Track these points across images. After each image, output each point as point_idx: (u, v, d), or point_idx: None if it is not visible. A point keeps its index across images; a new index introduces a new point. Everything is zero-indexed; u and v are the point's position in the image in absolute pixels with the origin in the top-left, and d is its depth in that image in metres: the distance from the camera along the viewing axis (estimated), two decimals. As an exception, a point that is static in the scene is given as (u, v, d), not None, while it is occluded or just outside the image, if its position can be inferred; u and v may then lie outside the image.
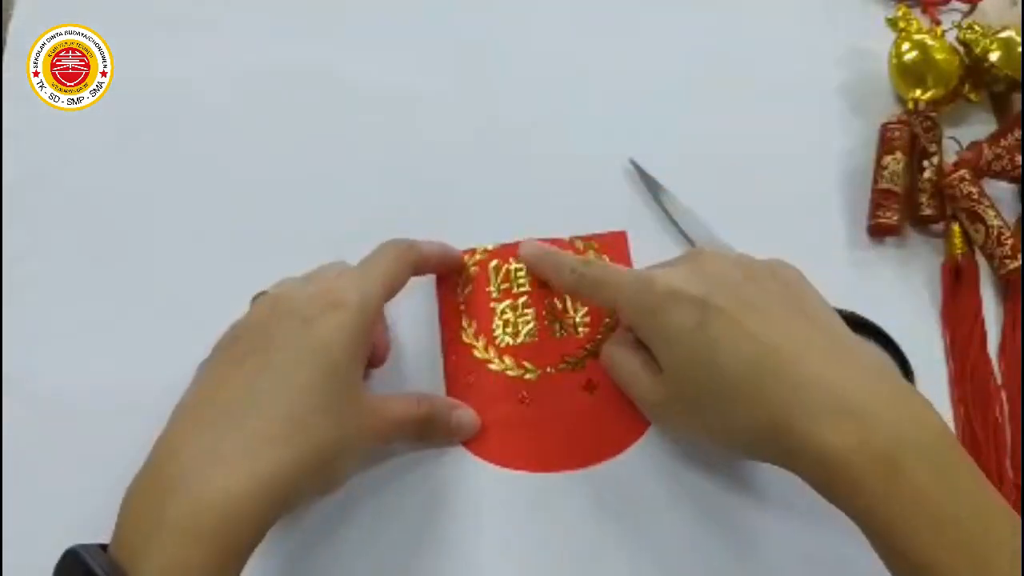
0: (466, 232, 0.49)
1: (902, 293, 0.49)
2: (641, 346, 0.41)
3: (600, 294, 0.43)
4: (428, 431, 0.43)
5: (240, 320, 0.40)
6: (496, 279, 0.48)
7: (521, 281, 0.48)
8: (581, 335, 0.47)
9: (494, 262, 0.48)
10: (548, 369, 0.46)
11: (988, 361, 0.48)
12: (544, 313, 0.47)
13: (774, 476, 0.39)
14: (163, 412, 0.44)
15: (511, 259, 0.48)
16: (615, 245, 0.49)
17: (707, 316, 0.37)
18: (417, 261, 0.44)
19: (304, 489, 0.36)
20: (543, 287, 0.48)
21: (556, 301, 0.47)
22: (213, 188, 0.51)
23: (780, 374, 0.35)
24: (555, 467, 0.44)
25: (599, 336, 0.47)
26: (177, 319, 0.47)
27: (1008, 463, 0.45)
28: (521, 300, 0.48)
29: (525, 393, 0.45)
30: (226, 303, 0.47)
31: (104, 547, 0.33)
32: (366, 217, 0.50)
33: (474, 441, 0.44)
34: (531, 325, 0.47)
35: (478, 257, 0.48)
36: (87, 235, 0.49)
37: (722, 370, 0.36)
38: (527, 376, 0.46)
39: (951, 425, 0.46)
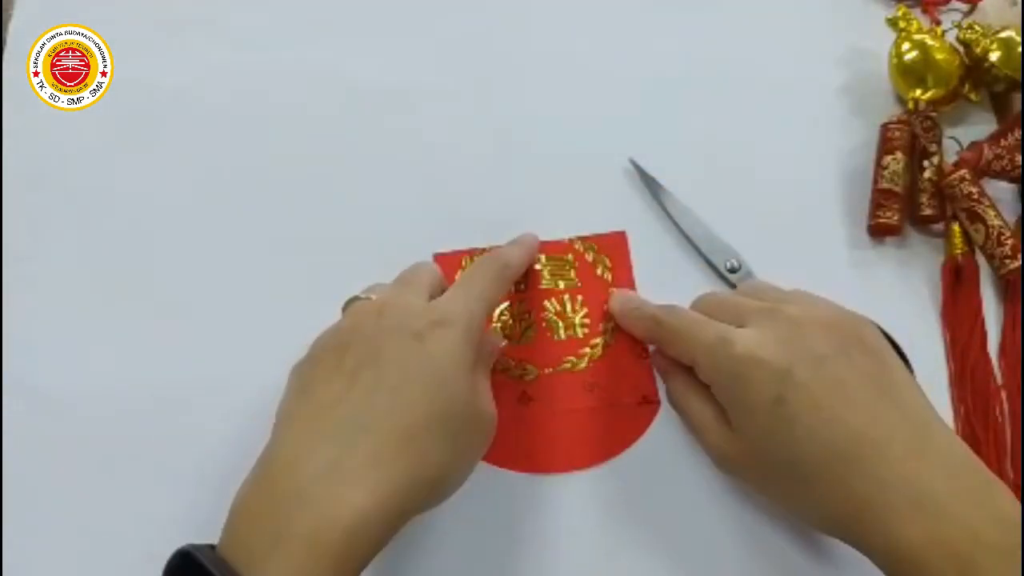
0: (466, 231, 0.49)
1: (902, 293, 0.49)
2: (710, 396, 0.40)
3: (677, 347, 0.42)
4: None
5: (343, 327, 0.39)
6: None
7: (521, 283, 0.48)
8: (581, 336, 0.47)
9: None
10: (547, 370, 0.46)
11: (988, 361, 0.48)
12: (544, 314, 0.47)
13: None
14: (163, 412, 0.44)
15: None
16: (615, 246, 0.49)
17: (787, 391, 0.36)
18: (514, 278, 0.45)
19: (419, 505, 0.36)
20: (542, 288, 0.48)
21: (555, 302, 0.47)
22: (213, 188, 0.51)
23: (859, 465, 0.35)
24: (555, 467, 0.44)
25: (598, 338, 0.47)
26: (177, 319, 0.47)
27: (1008, 463, 0.45)
28: (521, 301, 0.48)
29: (525, 393, 0.45)
30: (226, 303, 0.47)
31: (212, 547, 0.33)
32: (366, 217, 0.50)
33: None
34: (531, 326, 0.47)
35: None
36: (87, 235, 0.49)
37: (798, 451, 0.36)
38: (527, 377, 0.46)
39: (951, 425, 0.46)
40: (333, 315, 0.45)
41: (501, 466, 0.44)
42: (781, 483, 0.38)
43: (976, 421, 0.46)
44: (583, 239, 0.49)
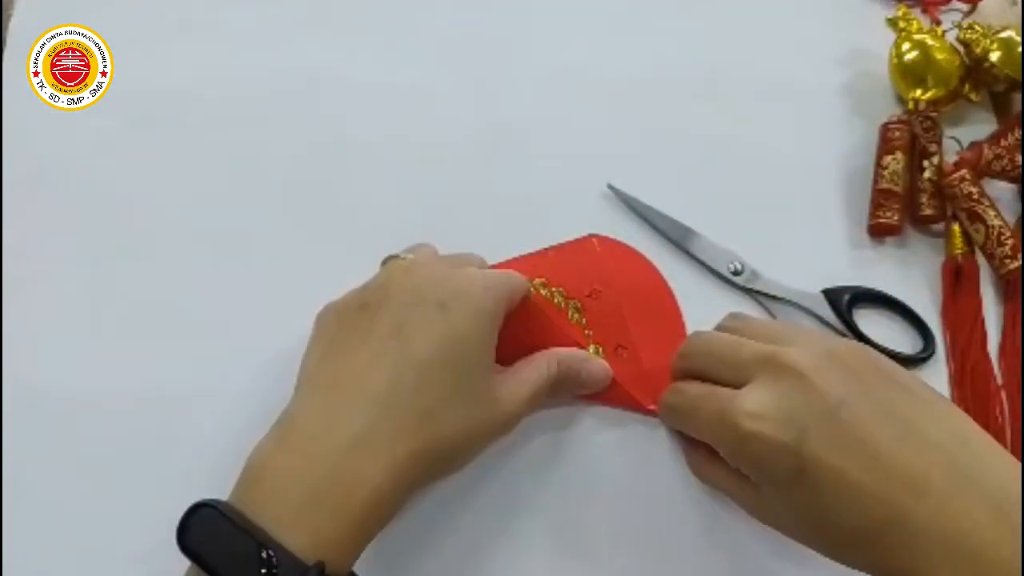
0: (464, 231, 0.49)
1: (902, 293, 0.49)
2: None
3: (682, 426, 0.41)
4: (560, 389, 0.43)
5: (372, 285, 0.40)
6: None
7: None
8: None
9: None
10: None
11: (988, 361, 0.48)
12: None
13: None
14: (163, 411, 0.44)
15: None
16: (584, 251, 0.48)
17: (804, 464, 0.33)
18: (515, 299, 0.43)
19: (435, 473, 0.38)
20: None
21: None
22: (213, 188, 0.51)
23: (893, 518, 0.32)
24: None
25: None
26: (177, 319, 0.47)
27: (1008, 463, 0.45)
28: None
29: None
30: (226, 303, 0.47)
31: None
32: (366, 217, 0.50)
33: None
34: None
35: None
36: (87, 235, 0.49)
37: (828, 514, 0.34)
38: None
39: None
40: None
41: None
42: (822, 543, 0.36)
43: (976, 421, 0.45)
44: (556, 248, 0.48)
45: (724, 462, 0.38)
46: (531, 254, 0.48)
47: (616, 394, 0.45)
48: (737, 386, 0.37)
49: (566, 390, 0.44)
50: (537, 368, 0.42)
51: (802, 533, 0.36)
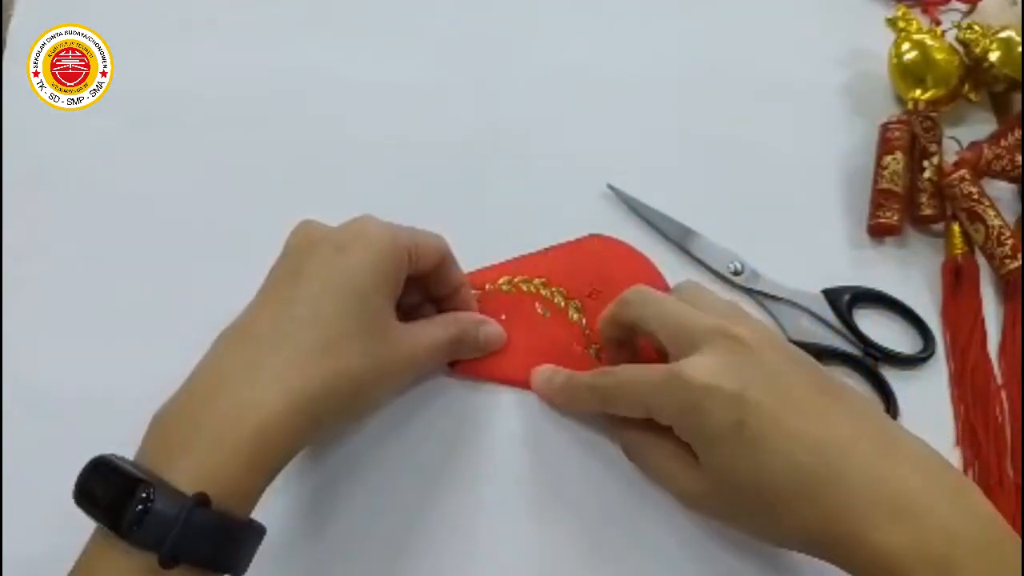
0: (464, 231, 0.49)
1: (902, 293, 0.49)
2: (666, 433, 0.38)
3: (624, 402, 0.40)
4: (459, 350, 0.44)
5: (287, 244, 0.41)
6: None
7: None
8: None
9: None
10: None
11: (988, 361, 0.48)
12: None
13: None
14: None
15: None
16: (585, 251, 0.48)
17: (746, 414, 0.35)
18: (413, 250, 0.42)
19: (334, 411, 0.37)
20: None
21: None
22: (213, 188, 0.51)
23: (828, 477, 0.34)
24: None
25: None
26: (177, 319, 0.47)
27: (1008, 463, 0.45)
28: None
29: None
30: (226, 302, 0.47)
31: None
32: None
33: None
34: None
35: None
36: (87, 235, 0.49)
37: (766, 472, 0.35)
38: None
39: (951, 425, 0.46)
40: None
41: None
42: (755, 513, 0.36)
43: (976, 421, 0.46)
44: (558, 247, 0.48)
45: (660, 440, 0.39)
46: (531, 254, 0.48)
47: None
48: (676, 356, 0.38)
49: (468, 350, 0.44)
50: (436, 324, 0.42)
51: (734, 504, 0.37)
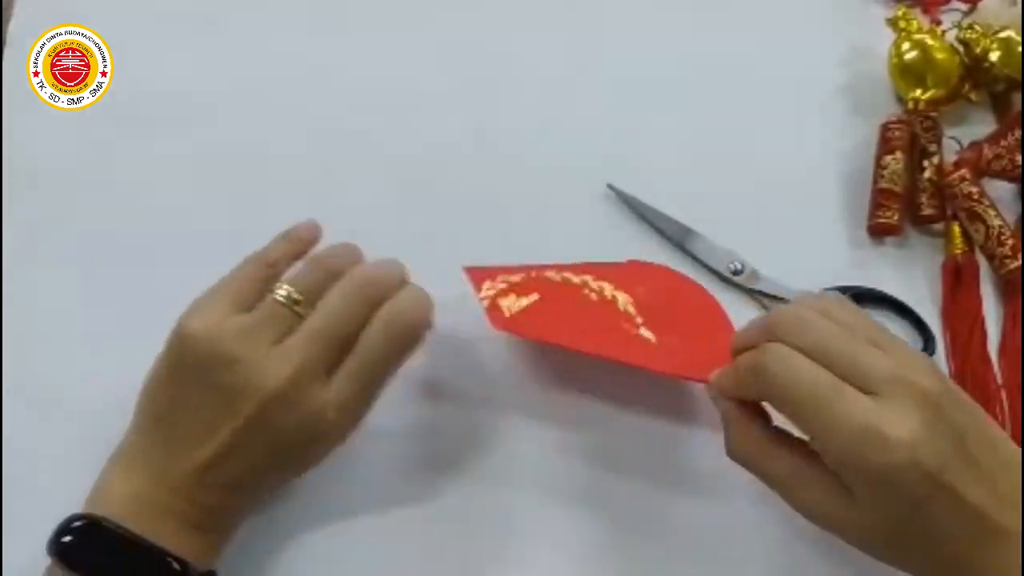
0: (466, 230, 0.49)
1: (902, 293, 0.49)
2: (816, 463, 0.35)
3: (794, 416, 0.35)
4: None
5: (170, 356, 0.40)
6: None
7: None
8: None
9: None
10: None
11: (988, 361, 0.48)
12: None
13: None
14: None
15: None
16: (628, 268, 0.46)
17: (935, 493, 0.33)
18: (270, 269, 0.41)
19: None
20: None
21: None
22: (212, 188, 0.51)
23: (990, 543, 0.34)
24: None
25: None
26: (176, 319, 0.47)
27: (1008, 463, 0.45)
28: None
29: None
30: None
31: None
32: (365, 217, 0.50)
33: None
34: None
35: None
36: (87, 235, 0.49)
37: (932, 542, 0.34)
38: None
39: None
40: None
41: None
42: (906, 559, 0.35)
43: (976, 421, 0.46)
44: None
45: (793, 450, 0.36)
46: (569, 264, 0.46)
47: (664, 362, 0.42)
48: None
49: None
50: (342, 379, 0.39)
51: (878, 543, 0.35)
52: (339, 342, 0.38)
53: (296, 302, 0.39)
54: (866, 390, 0.34)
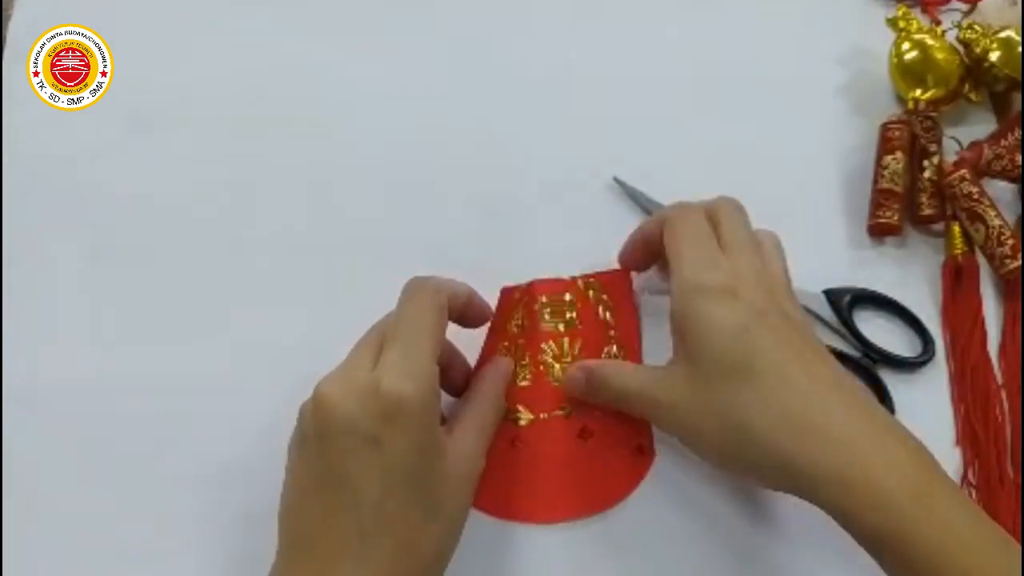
0: (473, 222, 0.49)
1: (902, 293, 0.49)
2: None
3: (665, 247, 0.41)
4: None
5: (299, 435, 0.38)
6: (506, 319, 0.45)
7: (519, 322, 0.45)
8: None
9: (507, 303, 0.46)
10: (542, 415, 0.44)
11: (988, 361, 0.48)
12: (541, 356, 0.45)
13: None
14: (163, 412, 0.44)
15: (525, 300, 0.46)
16: (617, 284, 0.46)
17: (753, 323, 0.37)
18: (449, 301, 0.40)
19: None
20: (541, 330, 0.45)
21: (553, 344, 0.45)
22: (213, 188, 0.51)
23: (809, 428, 0.36)
24: (546, 516, 0.42)
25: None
26: (177, 319, 0.47)
27: (1008, 463, 0.45)
28: (519, 342, 0.45)
29: (518, 437, 0.43)
30: (226, 302, 0.47)
31: None
32: (365, 217, 0.50)
33: None
34: (527, 368, 0.44)
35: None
36: (87, 235, 0.49)
37: (755, 411, 0.36)
38: (520, 421, 0.44)
39: (951, 425, 0.46)
40: (330, 314, 0.46)
41: (483, 510, 0.42)
42: (727, 444, 0.38)
43: (976, 421, 0.46)
44: (585, 278, 0.46)
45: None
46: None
47: None
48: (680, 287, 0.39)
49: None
50: (468, 429, 0.40)
51: (706, 428, 0.38)
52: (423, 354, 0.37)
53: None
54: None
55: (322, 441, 0.36)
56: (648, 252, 0.45)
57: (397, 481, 0.35)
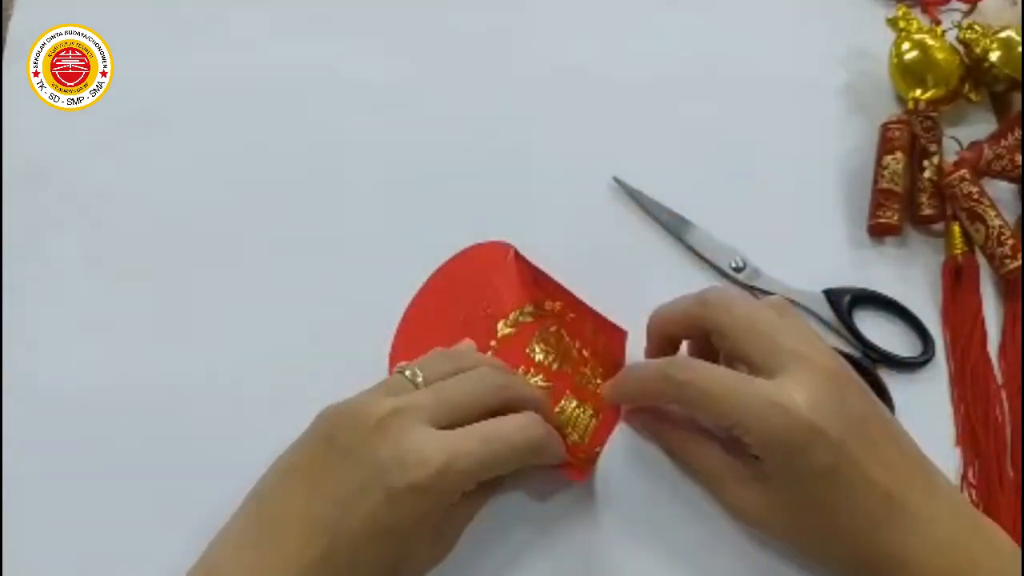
0: (472, 221, 0.49)
1: (902, 293, 0.49)
2: (728, 446, 0.40)
3: (709, 407, 0.38)
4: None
5: (306, 442, 0.38)
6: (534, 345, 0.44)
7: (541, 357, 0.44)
8: (587, 441, 0.43)
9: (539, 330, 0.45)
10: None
11: (988, 361, 0.48)
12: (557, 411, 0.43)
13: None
14: (164, 411, 0.44)
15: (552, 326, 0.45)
16: (613, 337, 0.46)
17: (841, 461, 0.36)
18: (511, 400, 0.38)
19: None
20: (564, 376, 0.44)
21: (572, 401, 0.43)
22: (213, 187, 0.51)
23: (889, 525, 0.36)
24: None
25: (598, 449, 0.43)
26: (177, 319, 0.47)
27: (1008, 463, 0.45)
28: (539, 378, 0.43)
29: None
30: (227, 302, 0.47)
31: None
32: (365, 217, 0.50)
33: None
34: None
35: (522, 318, 0.45)
36: (87, 235, 0.49)
37: (839, 517, 0.37)
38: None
39: (951, 425, 0.46)
40: (329, 314, 0.45)
41: None
42: (812, 539, 0.38)
43: (976, 421, 0.46)
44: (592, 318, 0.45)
45: (718, 445, 0.41)
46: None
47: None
48: (759, 370, 0.38)
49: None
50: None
51: (791, 526, 0.38)
52: (454, 408, 0.37)
53: (416, 385, 0.38)
54: (772, 368, 0.37)
55: (345, 459, 0.36)
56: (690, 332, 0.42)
57: (383, 538, 0.35)
